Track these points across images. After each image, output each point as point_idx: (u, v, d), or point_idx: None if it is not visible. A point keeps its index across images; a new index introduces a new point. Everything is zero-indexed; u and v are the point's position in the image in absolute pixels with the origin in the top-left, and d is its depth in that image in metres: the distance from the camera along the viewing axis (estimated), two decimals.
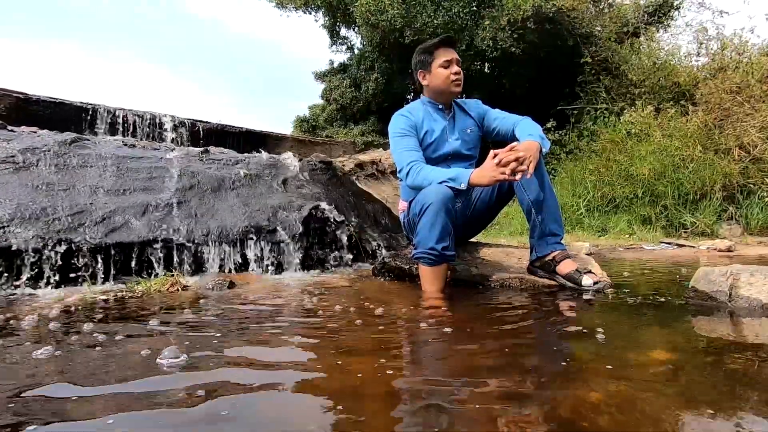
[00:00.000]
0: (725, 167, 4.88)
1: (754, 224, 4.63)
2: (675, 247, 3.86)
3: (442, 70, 1.89)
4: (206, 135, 5.15)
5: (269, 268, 2.22)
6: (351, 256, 2.53)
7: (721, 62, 6.24)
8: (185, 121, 5.05)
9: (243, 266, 2.18)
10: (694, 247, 3.76)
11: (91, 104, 4.54)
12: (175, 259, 2.03)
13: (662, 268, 2.53)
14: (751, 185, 4.86)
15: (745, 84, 5.51)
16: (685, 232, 4.69)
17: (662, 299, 1.56)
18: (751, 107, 5.26)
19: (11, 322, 1.25)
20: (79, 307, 1.46)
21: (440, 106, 1.97)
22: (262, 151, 3.25)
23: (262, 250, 2.21)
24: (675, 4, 7.78)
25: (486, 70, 8.26)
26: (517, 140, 1.74)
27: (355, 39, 9.60)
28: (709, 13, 7.34)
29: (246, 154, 2.95)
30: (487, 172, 1.60)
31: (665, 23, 7.83)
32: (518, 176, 1.57)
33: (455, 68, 1.89)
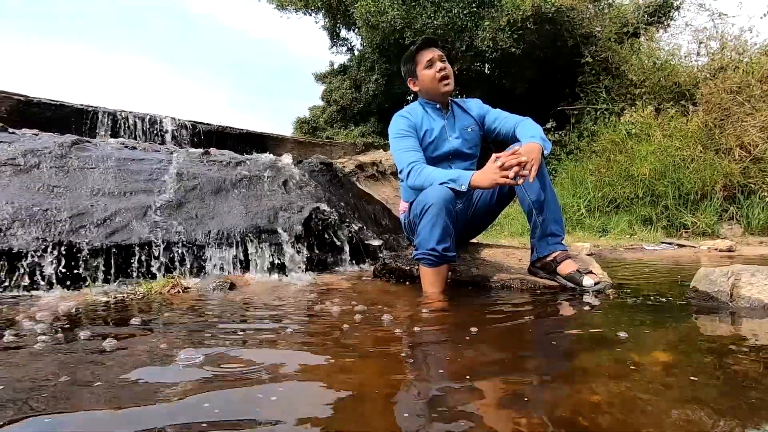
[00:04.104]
0: (726, 167, 4.87)
1: (755, 224, 4.63)
2: (676, 247, 3.86)
3: (426, 71, 1.91)
4: (206, 136, 5.16)
5: (270, 269, 2.22)
6: (351, 258, 2.53)
7: (721, 62, 6.24)
8: (186, 122, 5.05)
9: (244, 268, 2.18)
10: (695, 247, 3.76)
11: (91, 106, 4.54)
12: (176, 260, 2.03)
13: (663, 268, 2.53)
14: (752, 185, 4.85)
15: (746, 84, 5.51)
16: (685, 233, 4.68)
17: (663, 299, 1.56)
18: (751, 107, 5.26)
19: (14, 323, 1.25)
20: (81, 309, 1.46)
21: (437, 106, 1.98)
22: (262, 153, 3.25)
23: (262, 251, 2.21)
24: (675, 5, 7.78)
25: (486, 70, 8.26)
26: (518, 141, 1.75)
27: (355, 40, 9.61)
28: (708, 14, 7.32)
29: (246, 156, 2.95)
30: (489, 174, 1.60)
31: (665, 23, 7.82)
32: (520, 180, 1.57)
33: (439, 65, 1.89)
